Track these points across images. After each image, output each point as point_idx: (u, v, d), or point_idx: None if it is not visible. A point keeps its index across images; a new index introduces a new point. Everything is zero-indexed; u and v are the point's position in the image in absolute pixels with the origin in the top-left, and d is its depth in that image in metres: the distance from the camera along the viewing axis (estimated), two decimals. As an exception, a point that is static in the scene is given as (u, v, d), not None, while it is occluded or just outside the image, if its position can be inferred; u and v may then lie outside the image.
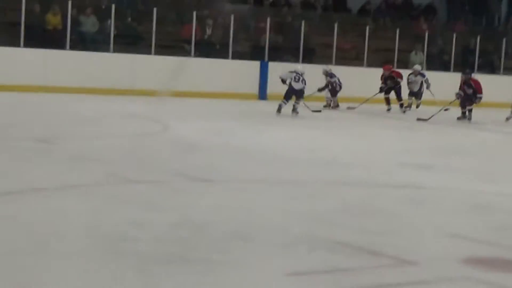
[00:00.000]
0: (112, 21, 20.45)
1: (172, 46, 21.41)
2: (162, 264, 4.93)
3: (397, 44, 23.73)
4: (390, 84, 19.95)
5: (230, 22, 21.66)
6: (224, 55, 21.40)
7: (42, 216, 6.16)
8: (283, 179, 8.73)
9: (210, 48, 21.63)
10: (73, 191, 7.33)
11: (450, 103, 18.35)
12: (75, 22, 20.35)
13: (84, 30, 20.74)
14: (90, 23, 20.84)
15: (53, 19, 20.33)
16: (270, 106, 17.48)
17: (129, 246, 5.32)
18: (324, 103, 19.74)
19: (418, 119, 17.57)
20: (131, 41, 21.09)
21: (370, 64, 22.86)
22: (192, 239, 5.65)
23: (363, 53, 23.39)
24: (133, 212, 6.40)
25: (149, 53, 20.57)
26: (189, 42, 21.25)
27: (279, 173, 9.05)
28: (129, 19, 21.88)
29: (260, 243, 5.66)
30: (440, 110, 17.97)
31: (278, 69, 18.52)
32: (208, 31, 22.44)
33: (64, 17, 20.09)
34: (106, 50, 20.10)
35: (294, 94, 16.98)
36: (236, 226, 6.14)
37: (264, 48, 22.06)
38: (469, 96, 18.13)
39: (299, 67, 17.72)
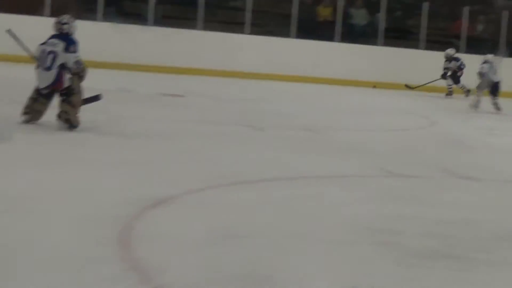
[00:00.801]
0: (382, 15, 20.53)
1: (441, 42, 21.16)
2: (424, 259, 4.90)
3: None
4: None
5: (502, 18, 21.04)
6: (495, 52, 20.81)
7: (307, 203, 6.32)
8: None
9: (480, 45, 21.13)
10: (339, 181, 7.46)
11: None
12: (346, 15, 20.64)
13: (354, 22, 20.99)
14: (360, 16, 21.06)
15: (324, 11, 20.76)
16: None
17: (393, 238, 5.34)
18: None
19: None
20: (400, 35, 21.07)
21: None
22: (457, 236, 5.57)
23: None
24: (398, 206, 6.41)
25: (417, 47, 20.47)
26: (459, 38, 20.89)
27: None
28: (399, 13, 21.87)
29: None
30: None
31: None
32: (480, 27, 21.94)
33: (335, 9, 20.45)
34: (375, 43, 20.21)
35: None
36: (502, 225, 5.99)
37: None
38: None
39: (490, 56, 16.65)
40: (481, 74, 16.04)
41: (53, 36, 9.05)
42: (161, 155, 8.06)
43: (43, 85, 8.85)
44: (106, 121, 9.96)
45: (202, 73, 18.01)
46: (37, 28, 17.28)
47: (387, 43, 20.35)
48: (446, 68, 19.03)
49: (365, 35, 20.49)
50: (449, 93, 19.13)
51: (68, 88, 8.83)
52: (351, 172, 7.93)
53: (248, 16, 19.34)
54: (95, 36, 17.56)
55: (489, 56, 16.53)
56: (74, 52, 8.96)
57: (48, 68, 8.80)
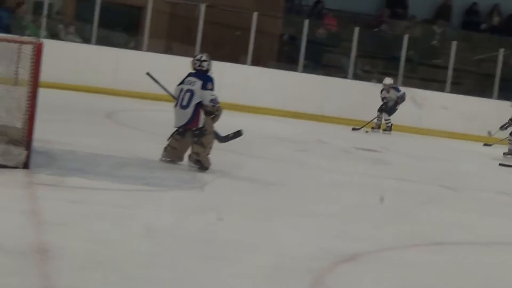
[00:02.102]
0: None
1: None
2: None
3: None
4: None
5: None
6: None
7: (503, 272, 6.14)
8: None
9: None
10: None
11: None
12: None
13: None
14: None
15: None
16: None
17: None
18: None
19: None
20: None
21: None
22: None
23: None
24: None
25: None
26: None
27: None
28: None
29: None
30: None
31: None
32: None
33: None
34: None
35: None
36: None
37: None
38: None
39: None
40: None
41: (190, 74, 9.02)
42: (354, 209, 8.04)
43: (179, 123, 8.84)
44: (302, 172, 10.08)
45: (398, 129, 17.84)
46: (236, 75, 17.94)
47: None
48: (384, 98, 17.13)
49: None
50: (388, 128, 17.23)
51: (201, 128, 8.78)
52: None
53: (449, 74, 19.05)
54: (295, 87, 17.87)
55: None
56: (211, 89, 8.89)
57: (185, 107, 8.76)
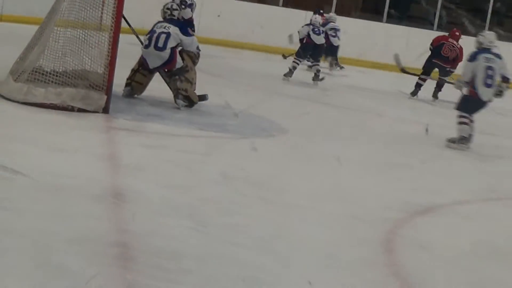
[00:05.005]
0: None
1: None
2: None
3: None
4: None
5: None
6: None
7: None
8: None
9: None
10: None
11: None
12: None
13: None
14: None
15: None
16: None
17: None
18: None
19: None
20: None
21: None
22: None
23: None
24: None
25: None
26: None
27: None
28: None
29: None
30: None
31: None
32: None
33: None
34: None
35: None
36: None
37: None
38: None
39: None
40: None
41: (160, 22, 8.64)
42: (431, 161, 7.90)
43: (154, 64, 8.50)
44: (380, 123, 9.99)
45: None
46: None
47: None
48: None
49: None
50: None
51: (181, 67, 8.50)
52: None
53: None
54: (379, 37, 17.62)
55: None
56: (193, 35, 8.71)
57: (161, 49, 8.40)
